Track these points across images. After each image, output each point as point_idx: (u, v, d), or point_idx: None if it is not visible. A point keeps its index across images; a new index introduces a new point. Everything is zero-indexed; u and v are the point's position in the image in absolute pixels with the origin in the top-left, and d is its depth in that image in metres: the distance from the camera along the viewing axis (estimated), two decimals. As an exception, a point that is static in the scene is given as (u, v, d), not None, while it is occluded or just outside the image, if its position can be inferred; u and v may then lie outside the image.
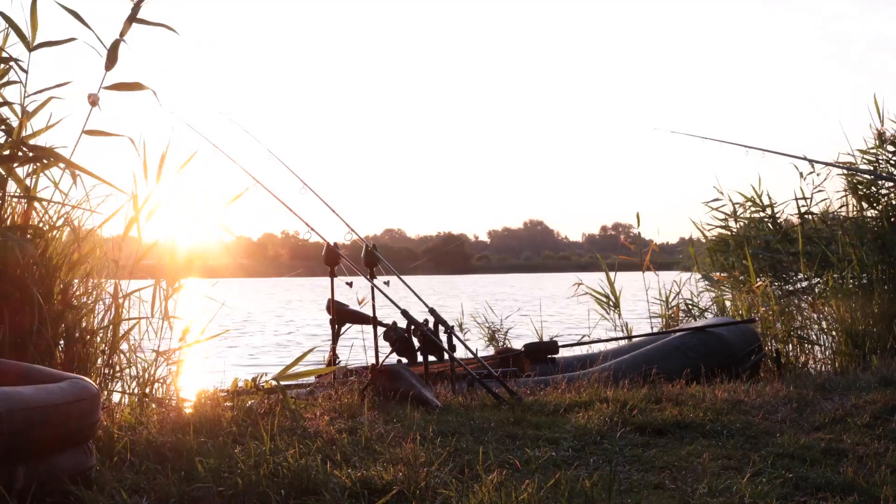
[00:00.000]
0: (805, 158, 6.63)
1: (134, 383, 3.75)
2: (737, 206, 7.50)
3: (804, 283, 6.69)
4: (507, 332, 7.08)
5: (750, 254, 6.65)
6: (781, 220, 7.33)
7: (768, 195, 7.38)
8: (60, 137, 3.56)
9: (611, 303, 7.02)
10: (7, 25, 3.36)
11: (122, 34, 3.55)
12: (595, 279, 7.34)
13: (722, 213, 7.58)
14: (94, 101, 3.51)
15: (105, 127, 3.57)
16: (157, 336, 3.85)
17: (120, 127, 3.63)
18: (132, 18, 3.55)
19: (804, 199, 7.02)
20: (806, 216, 7.05)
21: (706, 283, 7.45)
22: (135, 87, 3.58)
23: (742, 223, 7.48)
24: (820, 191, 6.98)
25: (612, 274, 7.13)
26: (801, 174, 6.97)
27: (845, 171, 6.47)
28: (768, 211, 7.35)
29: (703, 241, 7.73)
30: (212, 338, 3.99)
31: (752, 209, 7.44)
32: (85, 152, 3.56)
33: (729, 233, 7.50)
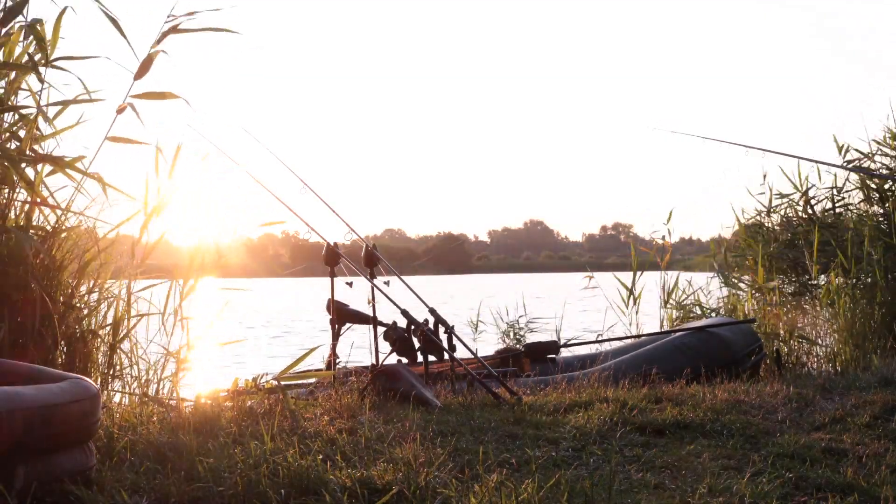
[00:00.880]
0: (805, 159, 6.62)
1: (135, 383, 3.76)
2: (775, 196, 7.32)
3: (813, 282, 6.65)
4: (525, 330, 7.11)
5: (770, 253, 6.61)
6: (817, 208, 7.16)
7: (808, 180, 7.19)
8: (85, 143, 3.62)
9: (633, 299, 6.94)
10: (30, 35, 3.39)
11: (157, 43, 3.58)
12: (597, 279, 7.34)
13: (762, 204, 7.44)
14: (122, 110, 3.54)
15: (128, 130, 3.61)
16: (169, 335, 3.87)
17: (144, 129, 3.66)
18: (171, 30, 3.58)
19: (837, 188, 6.91)
20: (838, 208, 6.95)
21: (721, 280, 7.37)
22: (165, 96, 3.60)
23: (775, 218, 7.34)
24: (842, 190, 6.93)
25: (618, 273, 7.11)
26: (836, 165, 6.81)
27: (855, 170, 6.46)
28: (800, 198, 7.16)
29: (733, 235, 7.59)
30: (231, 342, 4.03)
31: (787, 202, 7.28)
32: (109, 157, 3.61)
33: (764, 225, 7.33)
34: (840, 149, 6.87)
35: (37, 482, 2.09)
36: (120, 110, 3.55)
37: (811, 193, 7.08)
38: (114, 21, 3.42)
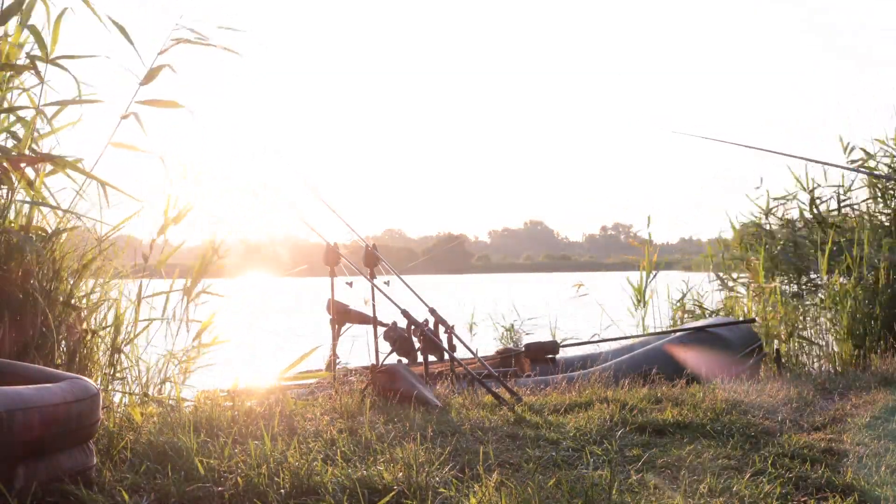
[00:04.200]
0: (810, 160, 6.61)
1: (135, 383, 3.76)
2: (773, 200, 7.37)
3: (820, 282, 6.65)
4: (521, 332, 7.12)
5: (772, 254, 6.63)
6: (822, 208, 7.16)
7: (813, 180, 7.21)
8: (88, 146, 3.61)
9: (640, 301, 6.99)
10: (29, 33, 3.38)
11: (164, 52, 3.59)
12: (595, 280, 7.36)
13: (759, 206, 7.48)
14: (126, 117, 3.54)
15: (131, 133, 3.61)
16: (174, 336, 3.89)
17: (147, 136, 3.66)
18: (177, 41, 3.60)
19: (844, 188, 6.92)
20: (843, 208, 6.96)
21: (718, 283, 7.40)
22: (170, 104, 3.59)
23: (775, 220, 7.37)
24: (849, 191, 6.95)
25: (610, 274, 7.15)
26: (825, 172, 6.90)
27: (860, 172, 6.47)
28: (805, 197, 7.15)
29: (729, 237, 7.64)
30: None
31: (785, 203, 7.31)
32: (113, 162, 3.60)
33: (758, 228, 7.38)
34: (845, 148, 6.88)
35: (37, 482, 2.09)
36: (125, 118, 3.56)
37: (817, 193, 7.11)
38: (121, 28, 3.41)
